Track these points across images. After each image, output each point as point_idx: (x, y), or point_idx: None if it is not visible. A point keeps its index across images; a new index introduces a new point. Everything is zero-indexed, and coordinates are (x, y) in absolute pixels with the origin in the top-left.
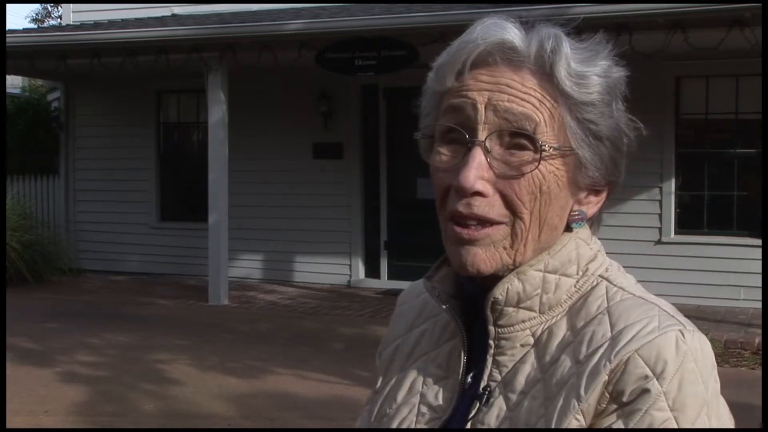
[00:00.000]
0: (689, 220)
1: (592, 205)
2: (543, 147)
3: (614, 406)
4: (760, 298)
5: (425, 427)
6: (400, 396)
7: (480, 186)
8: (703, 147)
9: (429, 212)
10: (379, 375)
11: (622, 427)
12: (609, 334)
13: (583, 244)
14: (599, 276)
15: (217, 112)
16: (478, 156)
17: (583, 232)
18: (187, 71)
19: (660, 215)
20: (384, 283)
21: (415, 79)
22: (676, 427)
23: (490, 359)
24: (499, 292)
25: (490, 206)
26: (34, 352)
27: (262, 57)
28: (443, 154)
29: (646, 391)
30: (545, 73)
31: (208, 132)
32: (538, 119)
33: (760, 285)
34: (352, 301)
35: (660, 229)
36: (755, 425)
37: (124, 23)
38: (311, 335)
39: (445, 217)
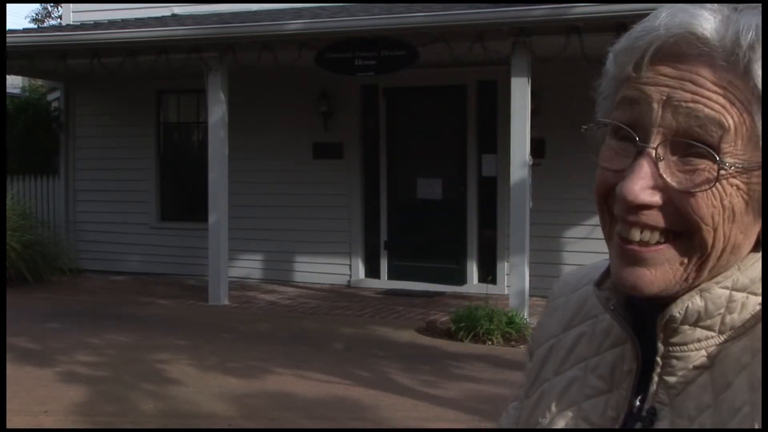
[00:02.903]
0: None
1: None
2: (724, 164)
3: None
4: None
5: None
6: (555, 405)
7: (646, 198)
8: None
9: (429, 212)
10: (530, 376)
11: None
12: None
13: None
14: None
15: (217, 112)
16: (645, 166)
17: None
18: (187, 71)
19: None
20: (384, 283)
21: (415, 79)
22: None
23: (656, 378)
24: (678, 309)
25: (661, 217)
26: (34, 352)
27: (262, 57)
28: (612, 148)
29: None
30: (740, 71)
31: (208, 132)
32: (726, 125)
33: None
34: (352, 301)
35: None
36: None
37: (124, 23)
38: (311, 335)
39: (608, 217)
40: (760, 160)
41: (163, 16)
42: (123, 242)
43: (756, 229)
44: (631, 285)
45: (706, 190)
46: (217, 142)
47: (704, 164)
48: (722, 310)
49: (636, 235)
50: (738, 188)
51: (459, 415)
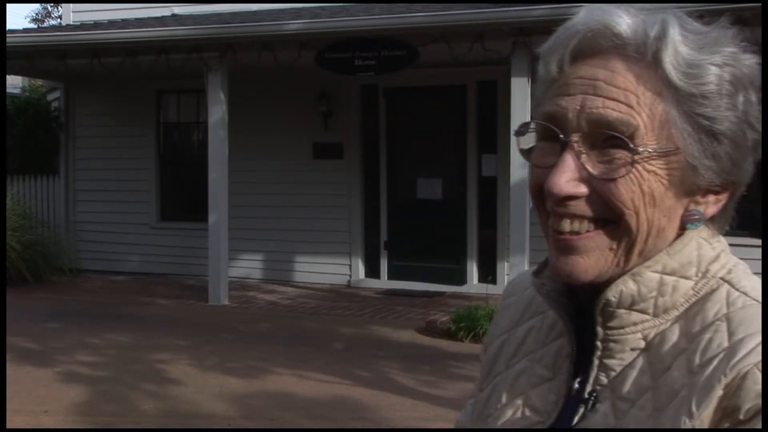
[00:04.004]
0: None
1: (711, 204)
2: (637, 150)
3: (728, 424)
4: None
5: (531, 429)
6: (505, 396)
7: (571, 189)
8: None
9: (429, 212)
10: (484, 370)
11: None
12: (726, 344)
13: (705, 244)
14: (720, 278)
15: (217, 112)
16: (569, 159)
17: (705, 231)
18: (187, 71)
19: None
20: (384, 283)
21: (415, 79)
22: None
23: (596, 361)
24: (612, 294)
25: (587, 206)
26: (34, 352)
27: (262, 57)
28: (540, 149)
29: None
30: (649, 61)
31: (208, 132)
32: (635, 123)
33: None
34: (352, 301)
35: None
36: None
37: (124, 23)
38: (311, 335)
39: (543, 213)
40: (674, 144)
41: (163, 16)
42: (123, 242)
43: (679, 212)
44: (568, 273)
45: (624, 176)
46: (217, 142)
47: (620, 153)
48: (654, 293)
49: (566, 225)
50: (655, 173)
51: (459, 416)
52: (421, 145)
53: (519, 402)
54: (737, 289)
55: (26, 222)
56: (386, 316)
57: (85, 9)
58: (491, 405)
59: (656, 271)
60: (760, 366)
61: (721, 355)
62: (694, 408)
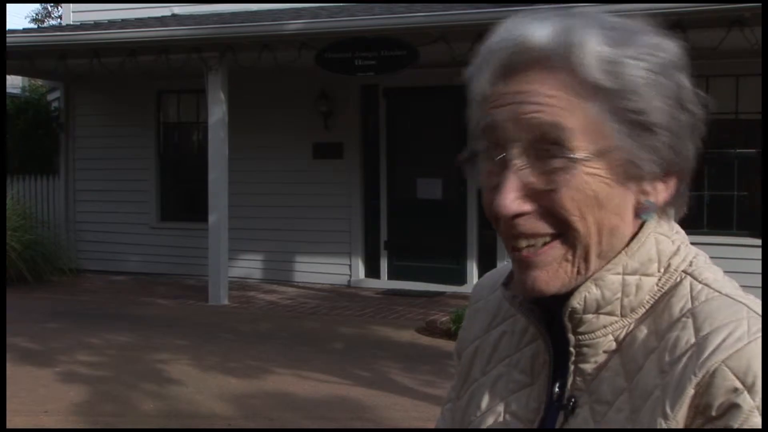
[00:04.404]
0: (689, 220)
1: (661, 192)
2: (571, 154)
3: (701, 421)
4: (759, 297)
5: None
6: (484, 403)
7: (516, 207)
8: (703, 147)
9: (429, 212)
10: (460, 377)
11: None
12: (693, 340)
13: (663, 239)
14: (683, 272)
15: (217, 112)
16: (510, 178)
17: (662, 226)
18: (187, 71)
19: None
20: (384, 283)
21: (416, 79)
22: None
23: (571, 367)
24: (576, 301)
25: (536, 221)
26: (33, 352)
27: (262, 57)
28: (486, 171)
29: (736, 406)
30: (568, 67)
31: (208, 132)
32: (565, 125)
33: (759, 285)
34: (352, 301)
35: None
36: None
37: (124, 23)
38: (311, 335)
39: (502, 234)
40: (608, 144)
41: (163, 16)
42: (123, 242)
43: (629, 208)
44: (531, 289)
45: (564, 184)
46: (217, 142)
47: (558, 162)
48: (619, 295)
49: (522, 243)
50: (596, 175)
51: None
52: (421, 145)
53: (500, 409)
54: (699, 281)
55: (26, 222)
56: (386, 316)
57: (85, 9)
58: (471, 412)
59: (618, 273)
60: (728, 362)
61: (689, 353)
62: (668, 409)
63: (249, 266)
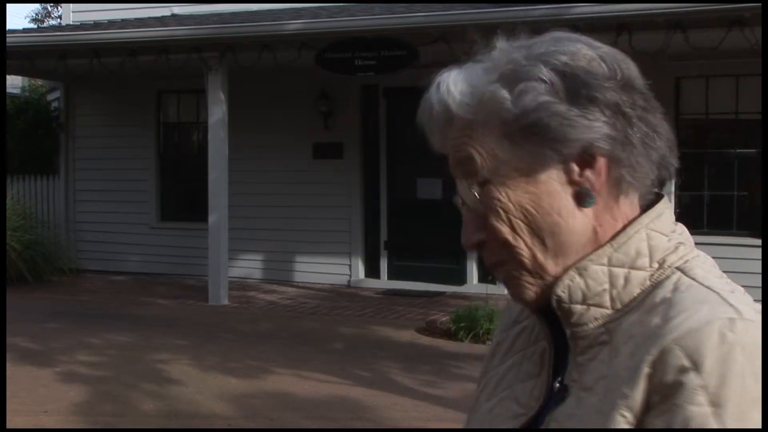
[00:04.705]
0: (689, 220)
1: (592, 178)
2: (486, 179)
3: (657, 399)
4: (759, 297)
5: (513, 421)
6: (497, 389)
7: (475, 238)
8: (703, 147)
9: (429, 212)
10: (484, 366)
11: (662, 424)
12: (659, 323)
13: (657, 236)
14: (676, 268)
15: (217, 112)
16: (465, 215)
17: (658, 222)
18: (187, 71)
19: None
20: (384, 283)
21: (416, 79)
22: (714, 424)
23: (571, 359)
24: (561, 289)
25: (494, 249)
26: (33, 352)
27: (262, 57)
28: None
29: (681, 384)
30: (480, 116)
31: (208, 132)
32: (475, 156)
33: (759, 285)
34: (352, 301)
35: None
36: None
37: (124, 23)
38: (311, 335)
39: None
40: (516, 167)
41: (163, 16)
42: (123, 242)
43: (564, 202)
44: (518, 300)
45: (489, 209)
46: (217, 142)
47: (476, 188)
48: (606, 286)
49: (496, 267)
50: (507, 187)
51: (459, 415)
52: (421, 145)
53: (505, 394)
54: (688, 276)
55: (26, 222)
56: (386, 316)
57: (85, 9)
58: (483, 397)
59: (602, 264)
60: (680, 342)
61: (650, 335)
62: (627, 388)
63: (249, 266)
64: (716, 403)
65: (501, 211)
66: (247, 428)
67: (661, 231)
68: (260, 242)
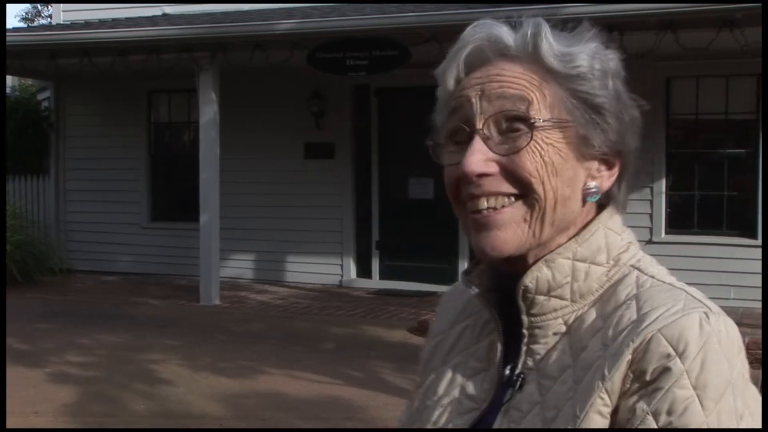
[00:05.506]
0: (680, 220)
1: (606, 178)
2: (533, 121)
3: (637, 385)
4: (750, 297)
5: (466, 416)
6: (441, 388)
7: (483, 167)
8: (694, 147)
9: (421, 212)
10: (420, 370)
11: (645, 406)
12: (634, 317)
13: (612, 234)
14: (631, 266)
15: (209, 111)
16: (477, 143)
17: (612, 221)
18: (179, 71)
19: (651, 215)
20: (375, 283)
21: (407, 79)
22: (699, 405)
23: (524, 348)
24: (529, 280)
25: (499, 182)
26: (24, 353)
27: (253, 57)
28: (451, 151)
29: (667, 369)
30: (530, 56)
31: (199, 132)
32: (530, 98)
33: (749, 284)
34: (344, 301)
35: (651, 228)
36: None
37: (115, 23)
38: (303, 335)
39: (461, 207)
40: (565, 117)
41: (153, 16)
42: (114, 242)
43: (579, 184)
44: (490, 248)
45: (525, 147)
46: (209, 142)
47: (521, 129)
48: (569, 279)
49: (483, 203)
50: (553, 146)
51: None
52: (412, 144)
53: (455, 392)
54: (646, 274)
55: (16, 222)
56: (378, 316)
57: (76, 8)
58: (428, 397)
59: (567, 258)
60: (664, 331)
61: (630, 327)
62: (606, 371)
63: (240, 266)
64: (698, 386)
65: (537, 153)
66: (238, 428)
67: (615, 230)
68: (252, 242)
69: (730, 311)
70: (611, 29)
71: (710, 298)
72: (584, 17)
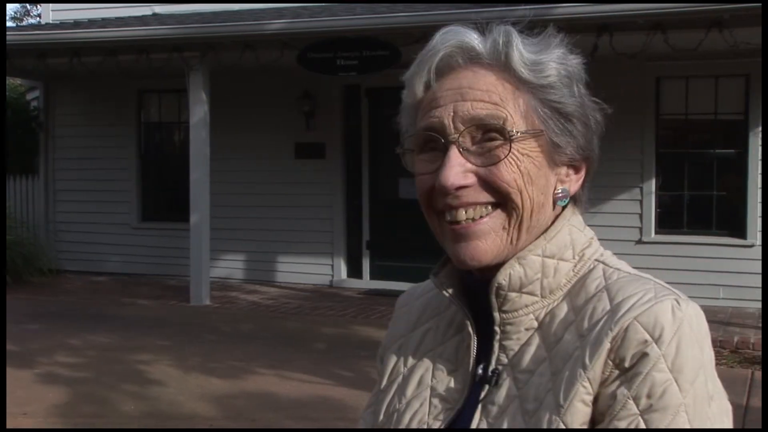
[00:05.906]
0: (669, 220)
1: (574, 182)
2: (510, 133)
3: (617, 372)
4: (739, 297)
5: (440, 417)
6: (410, 391)
7: (462, 180)
8: (683, 147)
9: (411, 212)
10: (382, 376)
11: (626, 391)
12: (608, 307)
13: (576, 231)
14: (595, 260)
15: (199, 111)
16: (454, 154)
17: (575, 219)
18: (169, 71)
19: (640, 215)
20: (366, 283)
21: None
22: (677, 387)
23: (496, 345)
24: (503, 277)
25: (477, 193)
26: (13, 354)
27: (243, 57)
28: (423, 160)
29: (645, 355)
30: (502, 65)
31: (189, 132)
32: (504, 115)
33: (739, 284)
34: (334, 301)
35: (641, 228)
36: (739, 424)
37: (105, 22)
38: (293, 335)
39: (435, 216)
40: (539, 127)
41: (144, 16)
42: (104, 242)
43: (551, 189)
44: (470, 257)
45: (503, 159)
46: (199, 142)
47: (497, 139)
48: (539, 275)
49: (462, 215)
50: (528, 155)
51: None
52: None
53: (425, 394)
54: (611, 267)
55: (6, 222)
56: (368, 316)
57: (65, 8)
58: (395, 402)
59: (537, 255)
60: (639, 318)
61: (605, 317)
62: (587, 361)
63: (231, 266)
64: (675, 369)
65: (514, 164)
66: (229, 428)
67: (578, 227)
68: (242, 242)
69: (719, 311)
70: (600, 30)
71: (699, 297)
72: (573, 18)
